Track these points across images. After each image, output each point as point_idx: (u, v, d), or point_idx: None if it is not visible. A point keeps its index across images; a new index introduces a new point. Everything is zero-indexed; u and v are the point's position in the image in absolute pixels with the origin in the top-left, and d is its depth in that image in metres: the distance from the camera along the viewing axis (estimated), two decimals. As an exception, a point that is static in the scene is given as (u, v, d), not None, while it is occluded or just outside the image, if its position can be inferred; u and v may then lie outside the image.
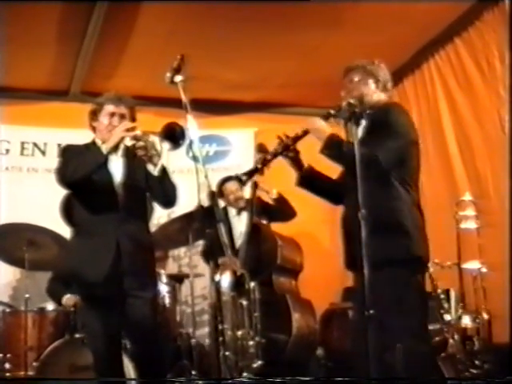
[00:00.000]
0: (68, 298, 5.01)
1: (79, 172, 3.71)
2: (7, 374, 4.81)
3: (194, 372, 4.86)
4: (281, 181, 4.91)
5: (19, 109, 6.37)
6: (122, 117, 3.90)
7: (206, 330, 5.96)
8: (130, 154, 3.88)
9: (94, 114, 3.99)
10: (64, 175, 3.77)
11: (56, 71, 6.19)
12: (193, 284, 5.38)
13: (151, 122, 4.33)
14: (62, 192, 4.93)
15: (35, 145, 6.47)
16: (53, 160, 6.37)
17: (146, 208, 4.00)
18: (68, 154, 3.92)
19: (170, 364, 4.68)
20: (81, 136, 6.34)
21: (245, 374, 4.86)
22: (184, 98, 3.49)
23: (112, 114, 3.90)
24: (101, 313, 3.73)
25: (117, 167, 3.88)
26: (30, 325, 4.83)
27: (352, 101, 3.47)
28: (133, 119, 3.95)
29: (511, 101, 4.78)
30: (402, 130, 3.48)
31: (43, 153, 6.49)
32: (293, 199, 5.63)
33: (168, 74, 3.54)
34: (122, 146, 3.85)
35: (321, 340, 5.57)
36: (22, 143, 6.45)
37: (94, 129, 4.01)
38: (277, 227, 5.82)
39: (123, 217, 3.79)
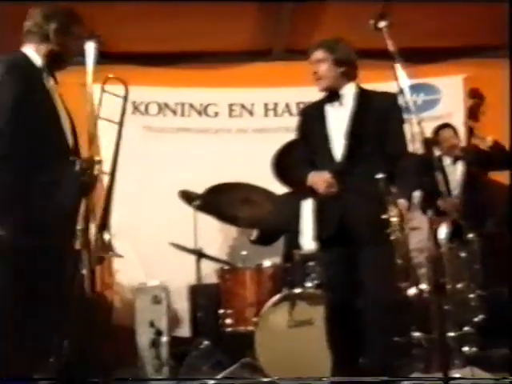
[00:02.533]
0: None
1: None
2: (229, 329, 4.99)
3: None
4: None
5: (225, 72, 6.51)
6: (318, 61, 3.84)
7: (424, 283, 5.81)
8: (361, 102, 3.83)
9: None
10: None
11: (258, 32, 6.23)
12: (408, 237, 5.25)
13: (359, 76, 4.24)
14: (271, 150, 5.00)
15: (243, 106, 6.58)
16: (260, 120, 6.55)
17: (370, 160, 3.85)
18: None
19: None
20: (286, 94, 6.51)
21: (466, 329, 4.69)
22: (390, 45, 3.36)
23: (312, 63, 3.87)
24: (333, 266, 3.76)
25: (341, 116, 3.82)
26: (249, 281, 4.94)
27: None
28: (337, 63, 3.84)
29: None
30: None
31: (251, 113, 6.58)
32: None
33: (371, 21, 3.42)
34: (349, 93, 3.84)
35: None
36: (230, 105, 6.57)
37: None
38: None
39: (348, 169, 3.74)
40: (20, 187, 3.00)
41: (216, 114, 6.55)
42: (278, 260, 5.43)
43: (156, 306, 5.26)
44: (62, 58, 3.32)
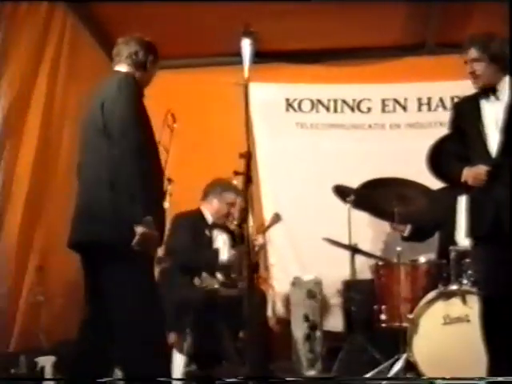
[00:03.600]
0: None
1: None
2: (383, 325, 4.99)
3: None
4: None
5: (377, 67, 6.43)
6: (473, 60, 3.79)
7: None
8: None
9: None
10: None
11: (409, 26, 6.13)
12: None
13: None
14: (425, 145, 4.94)
15: (396, 101, 6.52)
16: (414, 115, 6.47)
17: None
18: None
19: None
20: (440, 88, 6.40)
21: None
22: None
23: (467, 61, 3.82)
24: (489, 263, 3.73)
25: (497, 111, 3.74)
26: (403, 277, 4.91)
27: None
28: (492, 60, 3.78)
29: None
30: None
31: (404, 108, 6.51)
32: None
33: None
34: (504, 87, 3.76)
35: None
36: (383, 100, 6.52)
37: None
38: None
39: (504, 165, 3.65)
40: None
41: (369, 109, 6.52)
42: (430, 256, 5.36)
43: (311, 301, 5.34)
44: (146, 85, 3.71)
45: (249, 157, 3.19)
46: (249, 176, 3.18)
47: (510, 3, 4.62)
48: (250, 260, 4.71)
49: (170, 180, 3.85)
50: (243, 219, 4.78)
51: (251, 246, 5.14)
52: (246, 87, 3.26)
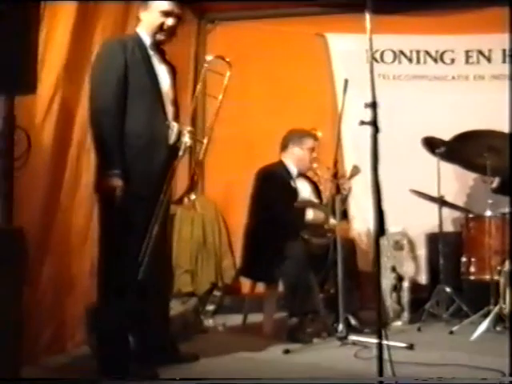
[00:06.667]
0: None
1: None
2: (472, 278, 4.99)
3: None
4: None
5: (461, 17, 6.30)
6: None
7: None
8: None
9: None
10: None
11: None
12: None
13: None
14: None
15: (480, 52, 6.41)
16: (498, 66, 6.35)
17: None
18: None
19: None
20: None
21: None
22: None
23: None
24: None
25: None
26: (494, 229, 4.88)
27: None
28: None
29: None
30: None
31: (488, 59, 6.40)
32: None
33: None
34: None
35: None
36: (467, 51, 6.43)
37: None
38: None
39: None
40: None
41: (452, 60, 6.44)
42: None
43: (398, 252, 5.33)
44: (154, 33, 3.82)
45: (375, 106, 3.17)
46: (377, 126, 3.16)
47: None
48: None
49: (191, 132, 3.85)
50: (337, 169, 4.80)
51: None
52: (370, 40, 3.16)
